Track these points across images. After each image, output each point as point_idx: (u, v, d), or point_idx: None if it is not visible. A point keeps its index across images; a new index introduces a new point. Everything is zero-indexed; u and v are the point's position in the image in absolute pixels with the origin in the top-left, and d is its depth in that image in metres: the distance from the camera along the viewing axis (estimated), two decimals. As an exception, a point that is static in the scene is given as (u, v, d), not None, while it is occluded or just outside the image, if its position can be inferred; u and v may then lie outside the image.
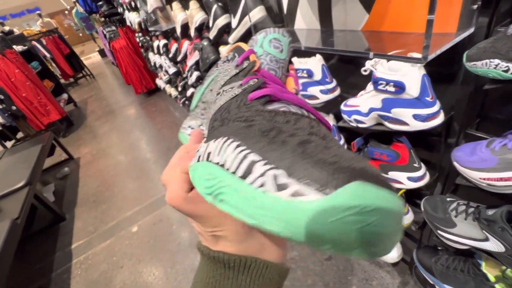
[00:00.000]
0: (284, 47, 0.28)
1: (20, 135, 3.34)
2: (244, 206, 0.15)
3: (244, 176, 0.15)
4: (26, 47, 3.61)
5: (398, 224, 0.13)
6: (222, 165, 0.16)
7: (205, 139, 0.27)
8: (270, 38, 0.28)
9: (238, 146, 0.16)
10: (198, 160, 0.19)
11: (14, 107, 2.95)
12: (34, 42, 4.35)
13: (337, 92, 0.84)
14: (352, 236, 0.12)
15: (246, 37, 1.06)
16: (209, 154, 0.18)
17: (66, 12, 11.23)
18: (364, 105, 0.72)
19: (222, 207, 0.16)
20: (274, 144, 0.16)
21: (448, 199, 0.71)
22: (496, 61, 0.45)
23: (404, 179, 0.75)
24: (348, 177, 0.12)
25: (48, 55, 4.88)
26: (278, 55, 0.28)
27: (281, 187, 0.13)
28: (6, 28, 4.13)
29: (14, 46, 3.25)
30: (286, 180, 0.13)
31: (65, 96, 4.10)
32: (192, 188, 0.21)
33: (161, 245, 1.56)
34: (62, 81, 5.10)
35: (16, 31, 4.22)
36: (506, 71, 0.44)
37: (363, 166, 0.13)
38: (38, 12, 7.23)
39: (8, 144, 3.15)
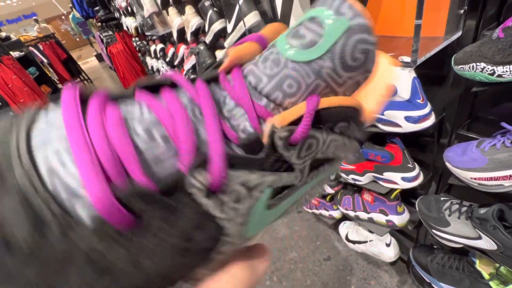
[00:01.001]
0: (325, 37, 0.13)
1: (18, 141, 3.33)
2: None
3: None
4: (23, 53, 3.62)
5: None
6: None
7: None
8: (302, 20, 0.14)
9: None
10: None
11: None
12: (31, 48, 4.35)
13: (332, 94, 0.85)
14: None
15: (242, 41, 1.07)
16: None
17: (63, 17, 11.26)
18: (357, 107, 0.73)
19: None
20: None
21: (442, 198, 0.72)
22: (482, 64, 0.46)
23: (398, 180, 0.76)
24: None
25: (45, 60, 4.87)
26: (290, 55, 0.13)
27: None
28: (3, 34, 4.14)
29: (11, 52, 3.25)
30: None
31: (63, 101, 4.10)
32: None
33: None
34: (60, 86, 5.09)
35: (13, 37, 4.23)
36: (492, 74, 0.46)
37: None
38: (34, 17, 7.23)
39: (6, 150, 3.14)
